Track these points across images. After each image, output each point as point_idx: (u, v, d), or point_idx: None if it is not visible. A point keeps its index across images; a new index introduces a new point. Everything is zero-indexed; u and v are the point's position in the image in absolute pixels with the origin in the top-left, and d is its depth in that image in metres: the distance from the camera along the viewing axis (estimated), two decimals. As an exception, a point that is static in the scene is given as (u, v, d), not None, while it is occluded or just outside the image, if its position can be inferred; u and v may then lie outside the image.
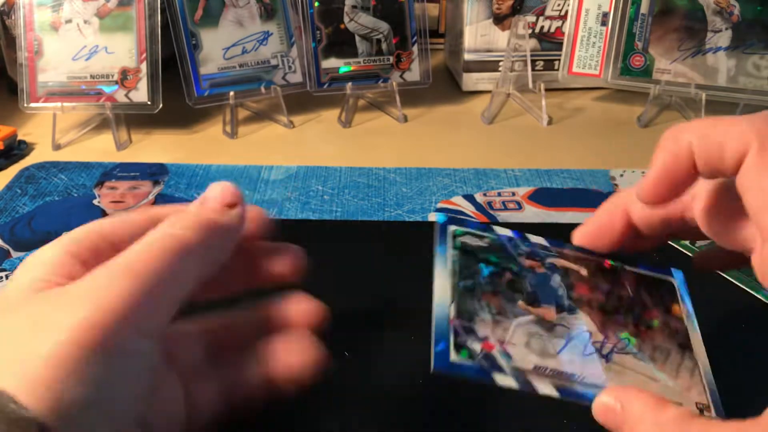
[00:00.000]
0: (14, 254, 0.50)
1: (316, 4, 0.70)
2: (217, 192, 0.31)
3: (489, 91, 0.76)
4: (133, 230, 0.29)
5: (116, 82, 0.66)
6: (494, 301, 0.31)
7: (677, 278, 0.35)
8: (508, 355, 0.29)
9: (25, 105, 0.65)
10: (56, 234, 0.51)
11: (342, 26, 0.71)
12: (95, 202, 0.56)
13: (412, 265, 0.46)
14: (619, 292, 0.33)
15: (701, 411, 0.29)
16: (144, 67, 0.65)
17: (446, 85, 0.82)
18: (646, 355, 0.31)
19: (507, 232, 0.34)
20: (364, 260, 0.48)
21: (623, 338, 0.31)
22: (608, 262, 0.34)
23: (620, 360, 0.30)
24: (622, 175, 0.61)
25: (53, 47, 0.65)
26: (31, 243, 0.51)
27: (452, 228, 0.33)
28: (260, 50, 0.69)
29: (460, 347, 0.29)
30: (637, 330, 0.32)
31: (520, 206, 0.56)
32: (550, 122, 0.72)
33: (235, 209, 0.31)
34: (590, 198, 0.57)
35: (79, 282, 0.25)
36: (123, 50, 0.66)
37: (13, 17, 0.68)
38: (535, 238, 0.34)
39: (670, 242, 0.50)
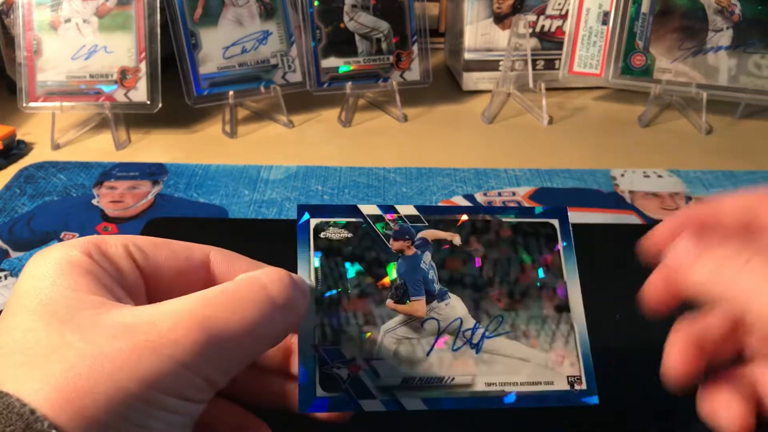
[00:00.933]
0: (13, 254, 0.50)
1: (316, 3, 0.70)
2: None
3: (489, 91, 0.76)
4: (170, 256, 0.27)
5: (115, 82, 0.66)
6: (361, 307, 0.29)
7: (559, 218, 0.32)
8: (375, 374, 0.28)
9: (24, 105, 0.65)
10: (55, 234, 0.51)
11: (342, 25, 0.71)
12: (94, 201, 0.56)
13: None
14: (495, 256, 0.31)
15: (572, 384, 0.29)
16: (143, 66, 0.65)
17: (446, 84, 0.82)
18: (520, 330, 0.30)
19: (374, 210, 0.31)
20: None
21: (496, 316, 0.30)
22: (482, 217, 0.32)
23: (491, 346, 0.30)
24: (623, 175, 0.61)
25: (52, 46, 0.65)
26: (30, 243, 0.51)
27: (314, 222, 0.31)
28: (260, 49, 0.69)
29: (326, 377, 0.28)
30: (511, 301, 0.30)
31: (519, 206, 0.56)
32: (550, 122, 0.72)
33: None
34: (591, 198, 0.57)
35: (155, 314, 0.23)
36: (122, 49, 0.65)
37: (12, 16, 0.68)
38: (403, 209, 0.31)
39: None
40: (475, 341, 0.30)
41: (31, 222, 0.53)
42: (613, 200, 0.57)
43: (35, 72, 0.65)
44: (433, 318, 0.30)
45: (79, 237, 0.29)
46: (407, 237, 0.31)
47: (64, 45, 0.65)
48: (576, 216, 0.54)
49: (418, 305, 0.30)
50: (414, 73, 0.74)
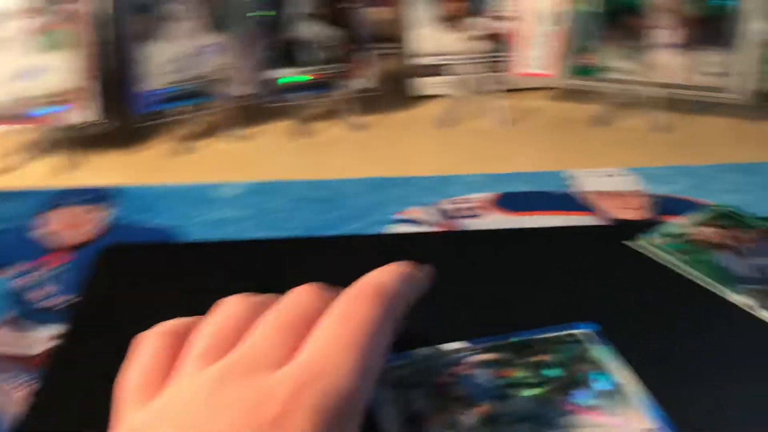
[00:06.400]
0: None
1: (262, 13, 0.68)
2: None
3: (443, 95, 0.75)
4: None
5: (56, 103, 0.63)
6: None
7: (583, 329, 0.38)
8: None
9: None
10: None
11: (289, 35, 0.69)
12: (33, 233, 0.53)
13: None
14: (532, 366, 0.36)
15: None
16: (85, 85, 0.63)
17: (400, 90, 0.81)
18: (587, 404, 0.34)
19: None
20: (327, 279, 0.46)
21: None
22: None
23: (567, 422, 0.33)
24: (580, 176, 0.61)
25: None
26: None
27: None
28: (207, 63, 0.67)
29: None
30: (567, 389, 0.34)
31: (483, 213, 0.55)
32: (505, 124, 0.72)
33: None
34: (554, 201, 0.57)
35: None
36: (63, 69, 0.63)
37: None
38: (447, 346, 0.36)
39: (624, 242, 0.50)
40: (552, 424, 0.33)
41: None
42: (573, 202, 0.57)
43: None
44: None
45: (12, 271, 0.29)
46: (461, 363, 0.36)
47: (2, 64, 0.62)
48: (542, 220, 0.54)
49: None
50: (365, 81, 0.73)
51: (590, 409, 0.33)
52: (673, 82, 0.70)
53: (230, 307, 0.29)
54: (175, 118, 0.66)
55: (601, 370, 0.35)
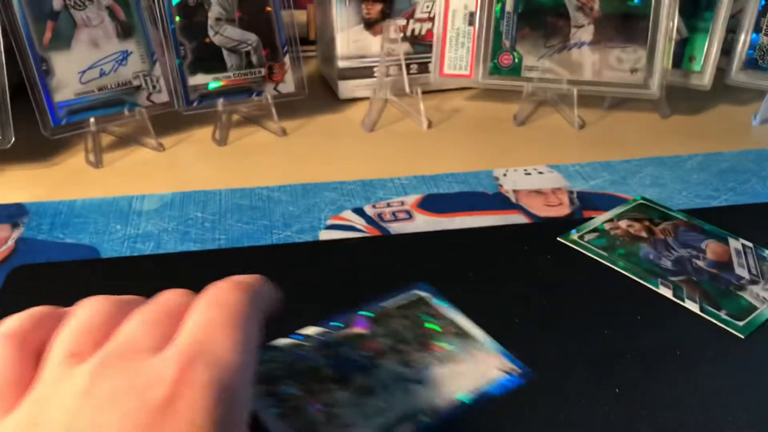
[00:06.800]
0: None
1: (177, 18, 0.66)
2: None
3: (367, 98, 0.75)
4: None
5: (-43, 116, 0.59)
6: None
7: (424, 290, 0.44)
8: None
9: None
10: None
11: (207, 40, 0.67)
12: (-57, 254, 0.50)
13: (305, 289, 0.44)
14: (394, 334, 0.40)
15: (508, 373, 0.37)
16: (-12, 97, 0.59)
17: (322, 94, 0.80)
18: (444, 356, 0.38)
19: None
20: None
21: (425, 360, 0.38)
22: (362, 318, 0.41)
23: (430, 376, 0.37)
24: (505, 175, 0.62)
25: None
26: None
27: None
28: (120, 71, 0.65)
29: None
30: (425, 346, 0.39)
31: (410, 215, 0.55)
32: (429, 126, 0.72)
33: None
34: (478, 201, 0.57)
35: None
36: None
37: None
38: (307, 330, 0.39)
39: (560, 239, 0.51)
40: (417, 379, 0.37)
41: None
42: (499, 201, 0.58)
43: None
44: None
45: None
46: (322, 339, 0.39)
47: None
48: (466, 221, 0.54)
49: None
50: (288, 85, 0.71)
51: (451, 358, 0.38)
52: (588, 79, 0.72)
53: (94, 305, 0.27)
54: (90, 129, 0.63)
55: (449, 323, 0.41)
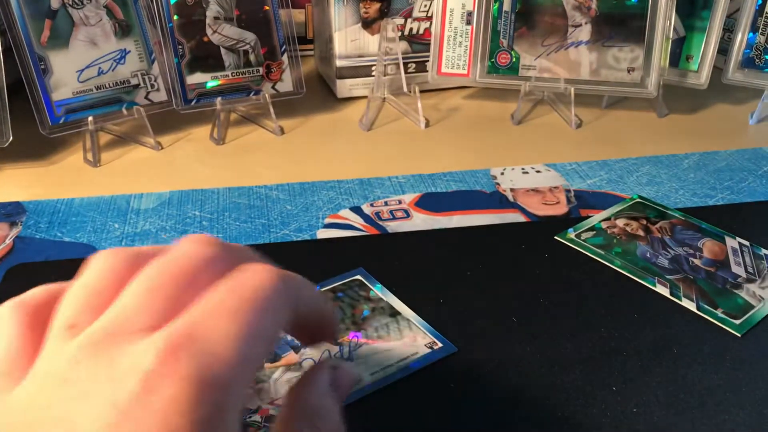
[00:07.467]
0: None
1: (176, 17, 0.66)
2: None
3: (365, 97, 0.75)
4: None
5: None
6: None
7: (361, 274, 0.46)
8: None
9: None
10: None
11: (205, 39, 0.68)
12: (-59, 252, 0.50)
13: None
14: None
15: (431, 347, 0.40)
16: (-14, 96, 0.59)
17: (320, 93, 0.80)
18: (375, 335, 0.41)
19: None
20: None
21: (353, 338, 0.41)
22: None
23: (360, 355, 0.40)
24: (503, 173, 0.62)
25: None
26: None
27: None
28: (118, 70, 0.65)
29: (246, 426, 0.35)
30: (358, 326, 0.42)
31: (408, 214, 0.55)
32: (427, 125, 0.72)
33: None
34: (476, 199, 0.57)
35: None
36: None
37: None
38: None
39: (557, 237, 0.51)
40: (346, 356, 0.40)
41: None
42: (497, 199, 0.58)
43: None
44: (308, 359, 0.39)
45: None
46: None
47: None
48: (463, 219, 0.54)
49: (290, 357, 0.39)
50: (286, 84, 0.72)
51: (381, 338, 0.41)
52: (585, 79, 0.72)
53: (103, 262, 0.23)
54: (88, 127, 0.63)
55: (378, 304, 0.44)
